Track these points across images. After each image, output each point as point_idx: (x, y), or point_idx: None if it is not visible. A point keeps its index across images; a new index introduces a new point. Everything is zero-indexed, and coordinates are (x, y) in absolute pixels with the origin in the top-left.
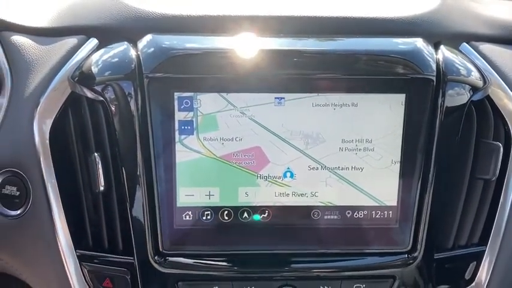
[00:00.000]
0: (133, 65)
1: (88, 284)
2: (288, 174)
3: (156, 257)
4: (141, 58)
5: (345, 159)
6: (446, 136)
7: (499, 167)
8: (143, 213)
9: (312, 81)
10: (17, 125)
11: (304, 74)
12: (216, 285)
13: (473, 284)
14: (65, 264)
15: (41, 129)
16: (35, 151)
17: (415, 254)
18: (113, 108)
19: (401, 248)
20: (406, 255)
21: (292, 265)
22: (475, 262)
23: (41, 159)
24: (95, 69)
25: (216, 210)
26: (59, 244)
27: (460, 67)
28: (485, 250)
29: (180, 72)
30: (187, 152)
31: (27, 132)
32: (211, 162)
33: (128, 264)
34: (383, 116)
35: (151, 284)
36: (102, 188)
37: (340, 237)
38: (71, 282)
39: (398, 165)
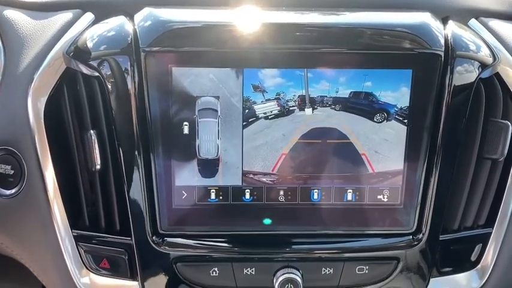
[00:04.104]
0: (129, 39)
1: (85, 265)
2: None
3: (154, 237)
4: (137, 32)
5: None
6: (453, 114)
7: (507, 146)
8: (141, 192)
9: (318, 55)
10: (11, 102)
11: (308, 48)
12: (216, 267)
13: (479, 266)
14: (61, 245)
15: (35, 107)
16: (29, 129)
17: (420, 236)
18: (109, 84)
19: (406, 230)
20: (411, 237)
21: (294, 246)
22: (481, 244)
23: (36, 137)
24: (90, 44)
25: (216, 189)
26: (55, 224)
27: (469, 43)
28: (491, 232)
29: (178, 46)
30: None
31: (21, 110)
32: None
33: (125, 244)
34: (389, 92)
35: (149, 265)
36: (98, 167)
37: (343, 218)
38: (67, 262)
39: (403, 143)
